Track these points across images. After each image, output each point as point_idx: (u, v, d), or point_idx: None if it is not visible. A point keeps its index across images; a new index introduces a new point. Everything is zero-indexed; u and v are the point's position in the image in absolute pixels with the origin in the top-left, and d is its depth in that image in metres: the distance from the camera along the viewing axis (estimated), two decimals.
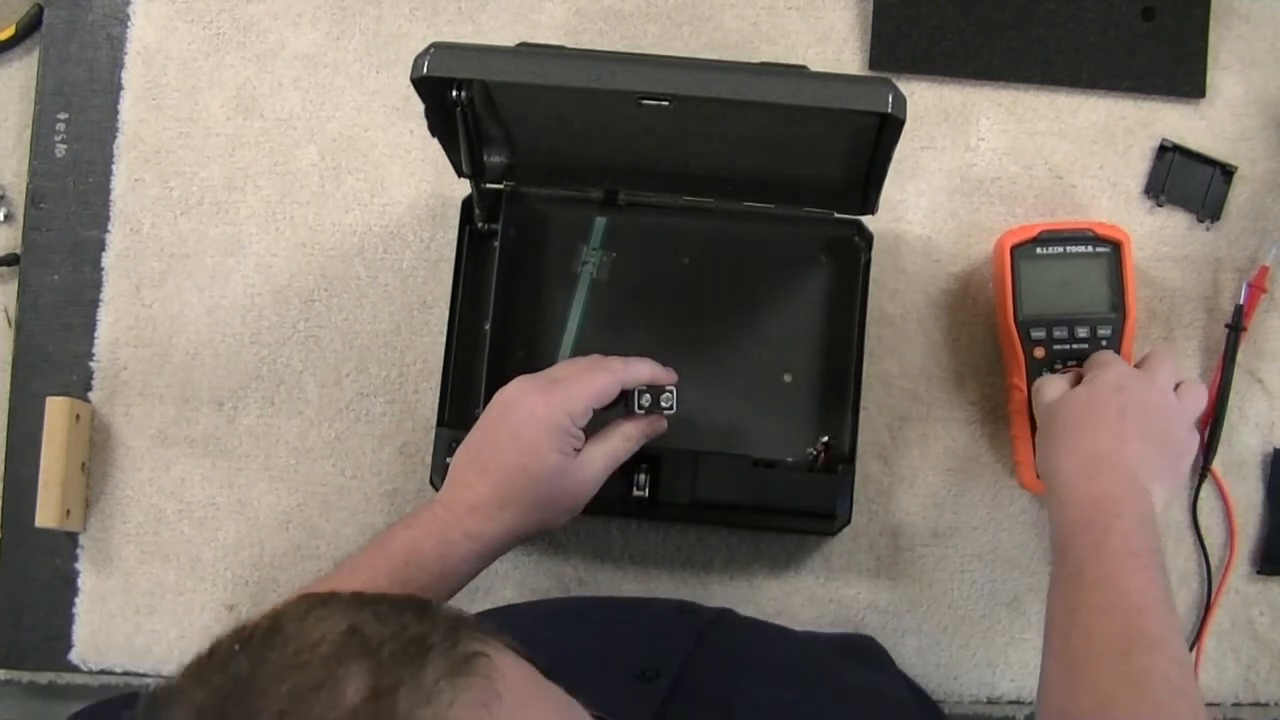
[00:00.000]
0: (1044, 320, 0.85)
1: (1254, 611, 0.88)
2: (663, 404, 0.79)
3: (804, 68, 0.79)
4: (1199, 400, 0.81)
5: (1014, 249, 0.86)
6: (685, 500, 0.84)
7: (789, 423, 0.88)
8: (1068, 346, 0.85)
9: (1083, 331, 0.85)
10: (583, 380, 0.76)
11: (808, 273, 0.90)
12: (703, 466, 0.84)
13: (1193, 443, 0.80)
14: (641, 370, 0.79)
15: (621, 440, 0.78)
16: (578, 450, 0.76)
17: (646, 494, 0.83)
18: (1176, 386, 0.80)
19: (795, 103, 0.72)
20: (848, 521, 0.86)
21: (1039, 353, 0.85)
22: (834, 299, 0.89)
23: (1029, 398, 0.85)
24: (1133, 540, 0.71)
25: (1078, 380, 0.82)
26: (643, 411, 0.79)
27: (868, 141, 0.77)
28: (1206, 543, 0.88)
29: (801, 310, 0.89)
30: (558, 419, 0.75)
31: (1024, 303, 0.86)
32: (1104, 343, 0.85)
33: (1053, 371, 0.85)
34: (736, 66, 0.77)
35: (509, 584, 0.90)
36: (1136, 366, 0.82)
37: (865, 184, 0.82)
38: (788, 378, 0.89)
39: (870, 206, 0.84)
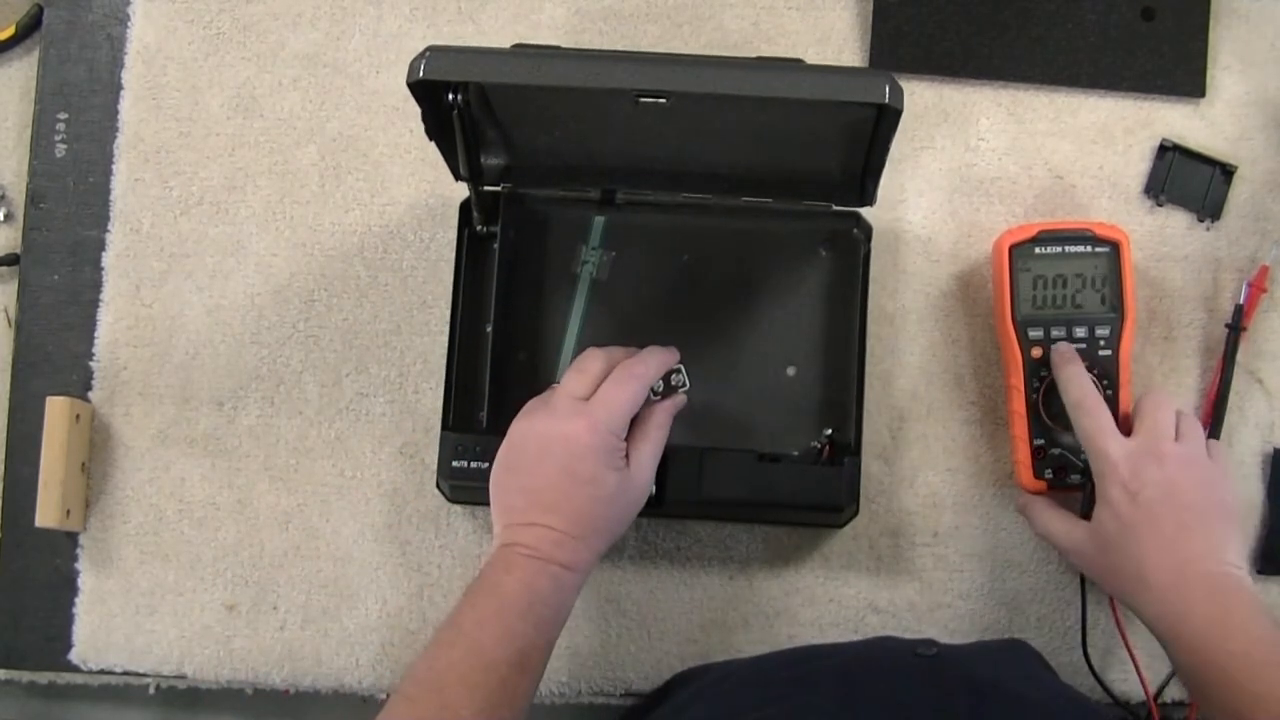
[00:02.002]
0: (1042, 320, 0.85)
1: None
2: (673, 383, 0.81)
3: (800, 61, 0.79)
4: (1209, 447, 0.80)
5: (1013, 248, 0.86)
6: (692, 497, 0.84)
7: (793, 417, 0.88)
8: None
9: (1081, 331, 0.85)
10: (614, 395, 0.76)
11: (808, 266, 0.90)
12: (709, 463, 0.84)
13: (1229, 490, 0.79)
14: (655, 362, 0.80)
15: (657, 430, 0.79)
16: (627, 458, 0.77)
17: (654, 492, 0.83)
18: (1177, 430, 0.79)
19: (793, 96, 0.72)
20: (855, 513, 0.86)
21: (1036, 353, 0.85)
22: (834, 292, 0.89)
23: (1028, 405, 0.85)
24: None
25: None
26: (658, 397, 0.81)
27: (865, 133, 0.77)
28: None
29: (802, 304, 0.90)
30: (605, 441, 0.75)
31: (1022, 302, 0.86)
32: (1102, 343, 0.85)
33: (1046, 371, 0.85)
34: (733, 62, 0.77)
35: None
36: (1125, 422, 0.81)
37: (863, 176, 0.82)
38: (790, 371, 0.89)
39: (869, 198, 0.85)
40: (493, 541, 0.77)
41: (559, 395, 0.77)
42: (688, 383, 0.81)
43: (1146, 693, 0.85)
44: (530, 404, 0.79)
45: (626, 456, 0.77)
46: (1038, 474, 0.85)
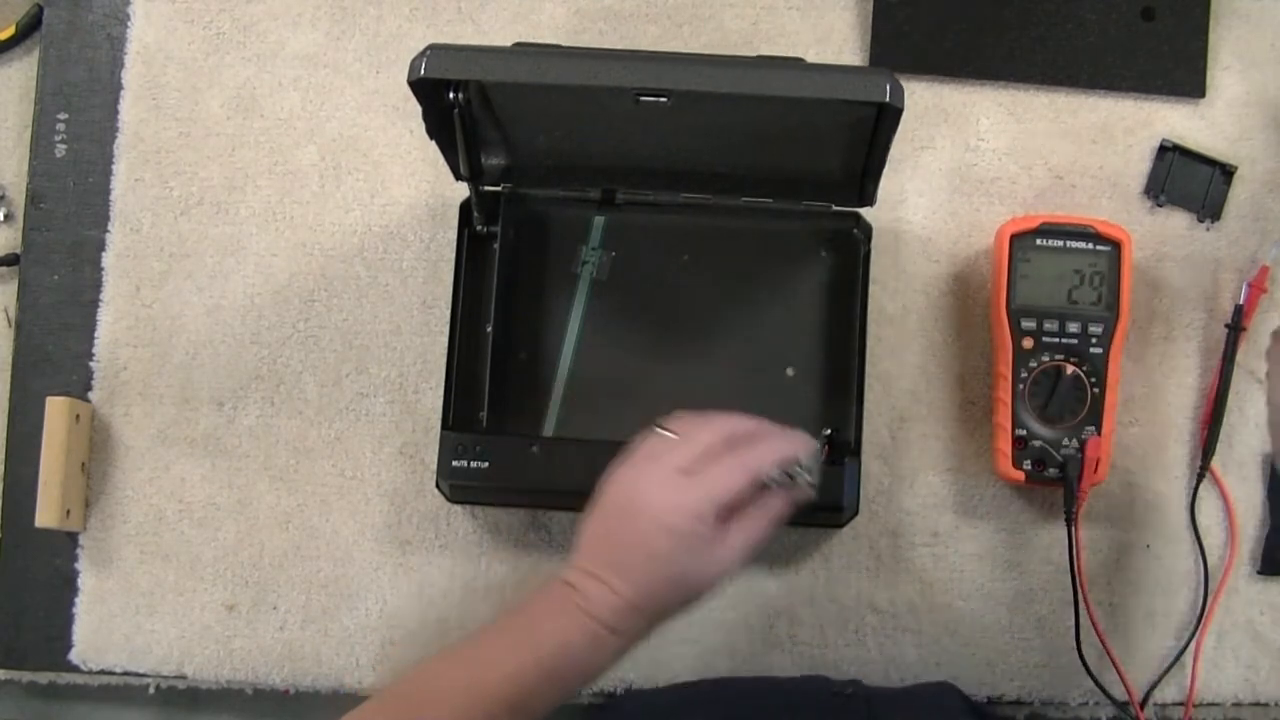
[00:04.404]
0: (1035, 311, 0.86)
1: (1254, 611, 0.88)
2: (793, 476, 0.72)
3: (800, 60, 0.79)
4: None
5: (1014, 237, 0.87)
6: None
7: (792, 417, 0.87)
8: (1057, 340, 0.85)
9: (1074, 327, 0.85)
10: (719, 482, 0.70)
11: (807, 266, 0.90)
12: None
13: None
14: (774, 452, 0.73)
15: (764, 520, 0.72)
16: (714, 538, 0.70)
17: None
18: None
19: (793, 95, 0.72)
20: (855, 513, 0.86)
21: (1027, 343, 0.85)
22: (834, 292, 0.90)
23: (1013, 395, 0.85)
24: None
25: None
26: (775, 484, 0.72)
27: (865, 133, 0.77)
28: (1205, 543, 0.88)
29: (802, 304, 0.90)
30: (694, 528, 0.69)
31: (1017, 292, 0.86)
32: (1094, 340, 0.85)
33: (1040, 363, 0.85)
34: (733, 60, 0.77)
35: (509, 586, 0.90)
36: None
37: (863, 176, 0.83)
38: (790, 372, 0.89)
39: (868, 198, 0.85)
40: (566, 563, 0.74)
41: (665, 461, 0.71)
42: (816, 481, 0.73)
43: (1130, 694, 0.85)
44: (642, 449, 0.73)
45: (719, 533, 0.71)
46: (1017, 464, 0.85)
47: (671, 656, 0.89)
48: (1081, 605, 0.84)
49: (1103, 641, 0.85)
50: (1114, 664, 0.85)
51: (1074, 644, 0.86)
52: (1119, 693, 0.86)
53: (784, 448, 0.73)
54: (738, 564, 0.71)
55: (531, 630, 0.71)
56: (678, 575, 0.70)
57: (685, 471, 0.71)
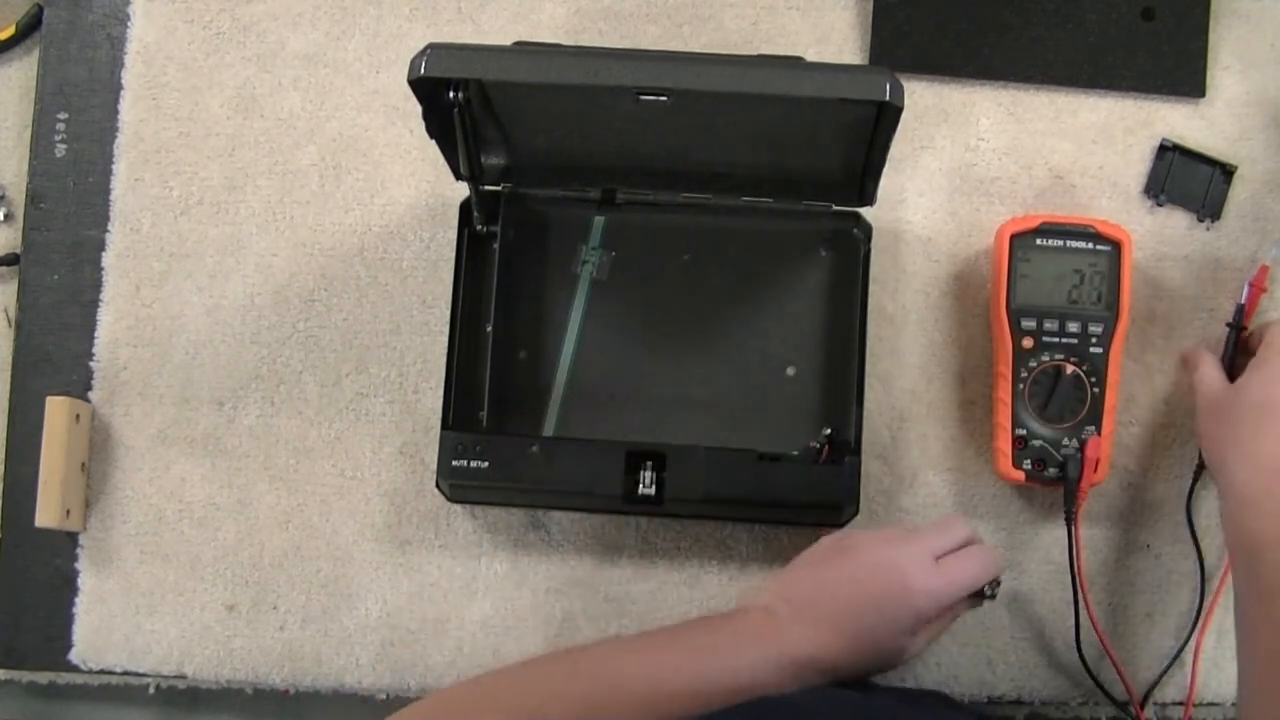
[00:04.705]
0: (1035, 311, 0.86)
1: None
2: (986, 593, 0.78)
3: (800, 59, 0.79)
4: None
5: (1014, 237, 0.87)
6: (691, 496, 0.84)
7: (793, 417, 0.88)
8: (1057, 340, 0.85)
9: (1073, 327, 0.85)
10: (962, 572, 0.76)
11: (807, 266, 0.90)
12: (709, 463, 0.84)
13: None
14: (997, 560, 0.79)
15: (943, 628, 0.78)
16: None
17: (653, 492, 0.83)
18: None
19: (793, 93, 0.72)
20: (855, 513, 0.86)
21: (1027, 343, 0.85)
22: (834, 291, 0.90)
23: (1013, 394, 0.85)
24: None
25: (1243, 350, 0.84)
26: (984, 598, 0.79)
27: (865, 132, 0.77)
28: (1204, 543, 0.88)
29: (802, 304, 0.90)
30: (929, 611, 0.74)
31: (1017, 291, 0.86)
32: (1094, 340, 0.85)
33: (1040, 362, 0.85)
34: (734, 59, 0.77)
35: (508, 583, 0.90)
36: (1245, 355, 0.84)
37: (863, 175, 0.83)
38: (790, 371, 0.89)
39: (868, 198, 0.85)
40: (753, 597, 0.76)
41: (923, 542, 0.76)
42: (996, 597, 0.79)
43: (1130, 694, 0.85)
44: (890, 530, 0.80)
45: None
46: (1016, 463, 0.85)
47: None
48: (1082, 605, 0.84)
49: (1102, 641, 0.85)
50: (1114, 664, 0.85)
51: (1074, 644, 0.86)
52: (1119, 693, 0.86)
53: (999, 558, 0.80)
54: (914, 655, 0.76)
55: (726, 649, 0.73)
56: (887, 650, 0.74)
57: (937, 559, 0.75)
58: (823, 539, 0.79)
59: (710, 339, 0.90)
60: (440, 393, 0.89)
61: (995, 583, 0.78)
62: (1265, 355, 0.81)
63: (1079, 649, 0.86)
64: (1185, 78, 0.92)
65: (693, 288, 0.90)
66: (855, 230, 0.89)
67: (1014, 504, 0.90)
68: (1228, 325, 0.88)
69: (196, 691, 0.93)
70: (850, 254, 0.90)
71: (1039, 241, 0.87)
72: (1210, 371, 0.84)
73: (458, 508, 0.90)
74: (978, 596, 0.78)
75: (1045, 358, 0.85)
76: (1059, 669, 0.87)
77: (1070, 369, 0.85)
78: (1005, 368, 0.86)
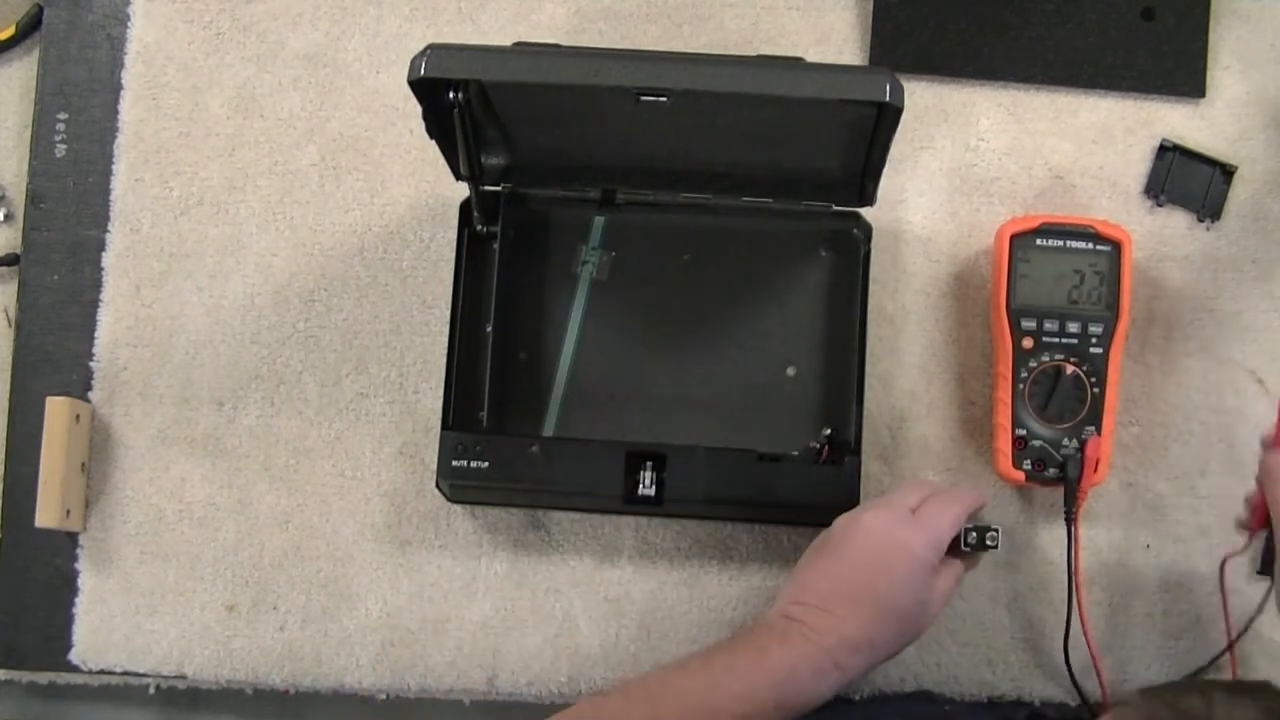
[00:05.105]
0: (1035, 311, 0.86)
1: (1254, 611, 0.88)
2: (988, 542, 0.79)
3: (800, 59, 0.79)
4: None
5: (1014, 237, 0.87)
6: (692, 497, 0.84)
7: (793, 417, 0.88)
8: (1057, 340, 0.85)
9: (1074, 327, 0.85)
10: (943, 513, 0.78)
11: (807, 266, 0.90)
12: (709, 463, 0.84)
13: None
14: (972, 497, 0.81)
15: (955, 581, 0.79)
16: (935, 575, 0.77)
17: (653, 492, 0.84)
18: None
19: (793, 94, 0.72)
20: None
21: (1027, 343, 0.85)
22: (834, 292, 0.90)
23: (1013, 395, 0.85)
24: None
25: None
26: (969, 549, 0.80)
27: (865, 132, 0.77)
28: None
29: (802, 304, 0.90)
30: (929, 557, 0.76)
31: (1017, 291, 0.86)
32: (1094, 340, 0.85)
33: (1040, 362, 0.85)
34: (734, 60, 0.77)
35: (508, 583, 0.90)
36: None
37: (863, 176, 0.83)
38: (790, 371, 0.89)
39: (868, 198, 0.85)
40: (771, 608, 0.78)
41: (893, 502, 0.78)
42: (999, 546, 0.79)
43: (1103, 694, 0.85)
44: (861, 506, 0.80)
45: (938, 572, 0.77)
46: (1017, 464, 0.85)
47: (672, 657, 0.88)
48: (1075, 606, 0.84)
49: (1088, 642, 0.84)
50: (1095, 668, 0.84)
51: (1063, 644, 0.85)
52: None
53: (975, 495, 0.82)
54: (939, 611, 0.78)
55: (761, 655, 0.74)
56: (911, 609, 0.75)
57: (915, 513, 0.77)
58: (812, 544, 0.80)
59: (710, 339, 0.90)
60: (440, 393, 0.89)
61: (993, 533, 0.79)
62: None
63: (1065, 651, 0.85)
64: (1185, 78, 0.92)
65: (693, 288, 0.90)
66: (855, 230, 0.89)
67: (1014, 504, 0.90)
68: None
69: (196, 691, 0.93)
70: (850, 254, 0.90)
71: (1039, 241, 0.87)
72: None
73: (458, 508, 0.90)
74: (980, 546, 0.79)
75: (1045, 358, 0.85)
76: (1059, 669, 0.87)
77: (1070, 369, 0.85)
78: (1005, 368, 0.86)
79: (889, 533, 0.76)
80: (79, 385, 0.93)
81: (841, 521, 0.79)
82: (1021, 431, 0.85)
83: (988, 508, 0.86)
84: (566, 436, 0.89)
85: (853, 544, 0.77)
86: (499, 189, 0.89)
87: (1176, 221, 0.92)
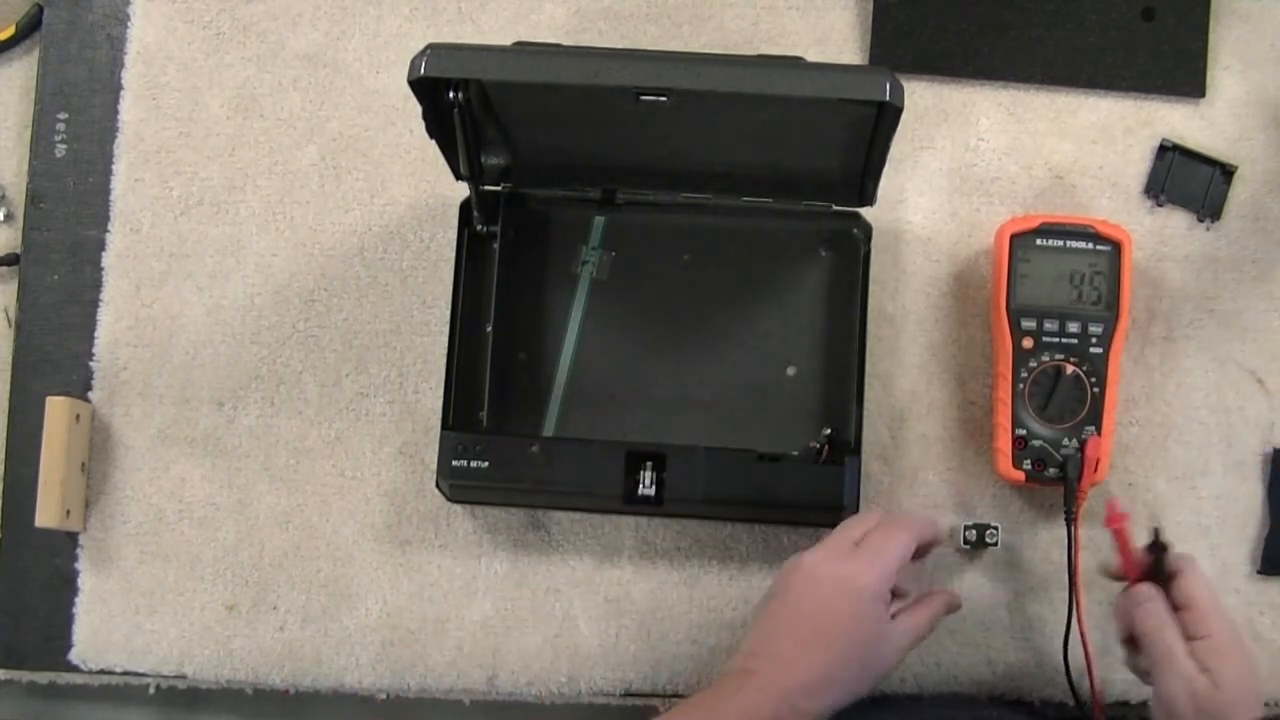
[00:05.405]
0: (1035, 311, 0.86)
1: (1254, 611, 0.88)
2: (987, 539, 0.81)
3: (800, 59, 0.79)
4: None
5: (1014, 237, 0.87)
6: (692, 497, 0.84)
7: (793, 417, 0.88)
8: (1057, 340, 0.85)
9: (1074, 327, 0.85)
10: (887, 542, 0.77)
11: (807, 266, 0.90)
12: (709, 463, 0.84)
13: None
14: (922, 523, 0.80)
15: (926, 615, 0.78)
16: (891, 617, 0.76)
17: (653, 492, 0.84)
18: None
19: (793, 94, 0.72)
20: (855, 513, 0.86)
21: (1027, 343, 0.85)
22: (834, 292, 0.90)
23: (1014, 395, 0.85)
24: None
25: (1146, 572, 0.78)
26: (968, 546, 0.83)
27: (865, 132, 0.77)
28: (1209, 541, 0.88)
29: (802, 304, 0.90)
30: (876, 587, 0.75)
31: (1017, 291, 0.86)
32: (1094, 340, 0.85)
33: (1040, 362, 0.85)
34: (734, 59, 0.77)
35: (508, 583, 0.90)
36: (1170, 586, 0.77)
37: (863, 176, 0.83)
38: (790, 371, 0.89)
39: (868, 198, 0.85)
40: (731, 659, 0.77)
41: (832, 541, 0.78)
42: (1000, 543, 0.81)
43: (1095, 697, 0.84)
44: (812, 547, 0.79)
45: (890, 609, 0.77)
46: (1017, 464, 0.85)
47: (672, 657, 0.89)
48: (1075, 606, 0.84)
49: (1085, 642, 0.84)
50: (1089, 667, 0.84)
51: (1063, 644, 0.85)
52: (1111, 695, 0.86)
53: (925, 521, 0.81)
54: (901, 651, 0.77)
55: (717, 709, 0.73)
56: (865, 644, 0.75)
57: (858, 546, 0.76)
58: (766, 592, 0.80)
59: (710, 339, 0.90)
60: (440, 393, 0.89)
61: (993, 530, 0.80)
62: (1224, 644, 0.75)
63: (1065, 653, 0.85)
64: (1185, 78, 0.92)
65: (693, 288, 0.90)
66: (855, 230, 0.89)
67: (1014, 504, 0.90)
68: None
69: (196, 691, 0.93)
70: (850, 254, 0.90)
71: (1039, 241, 0.87)
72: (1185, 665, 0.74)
73: (458, 508, 0.90)
74: (980, 544, 0.80)
75: (1045, 358, 0.85)
76: (1058, 669, 0.87)
77: (1070, 369, 0.85)
78: (1005, 367, 0.86)
79: (829, 571, 0.75)
80: (79, 385, 0.93)
81: (786, 566, 0.78)
82: (1021, 431, 0.85)
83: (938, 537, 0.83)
84: (566, 436, 0.89)
85: (796, 588, 0.76)
86: (499, 189, 0.89)
87: (1176, 221, 0.92)
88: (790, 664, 0.74)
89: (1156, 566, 0.77)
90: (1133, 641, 0.79)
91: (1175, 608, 0.76)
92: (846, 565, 0.75)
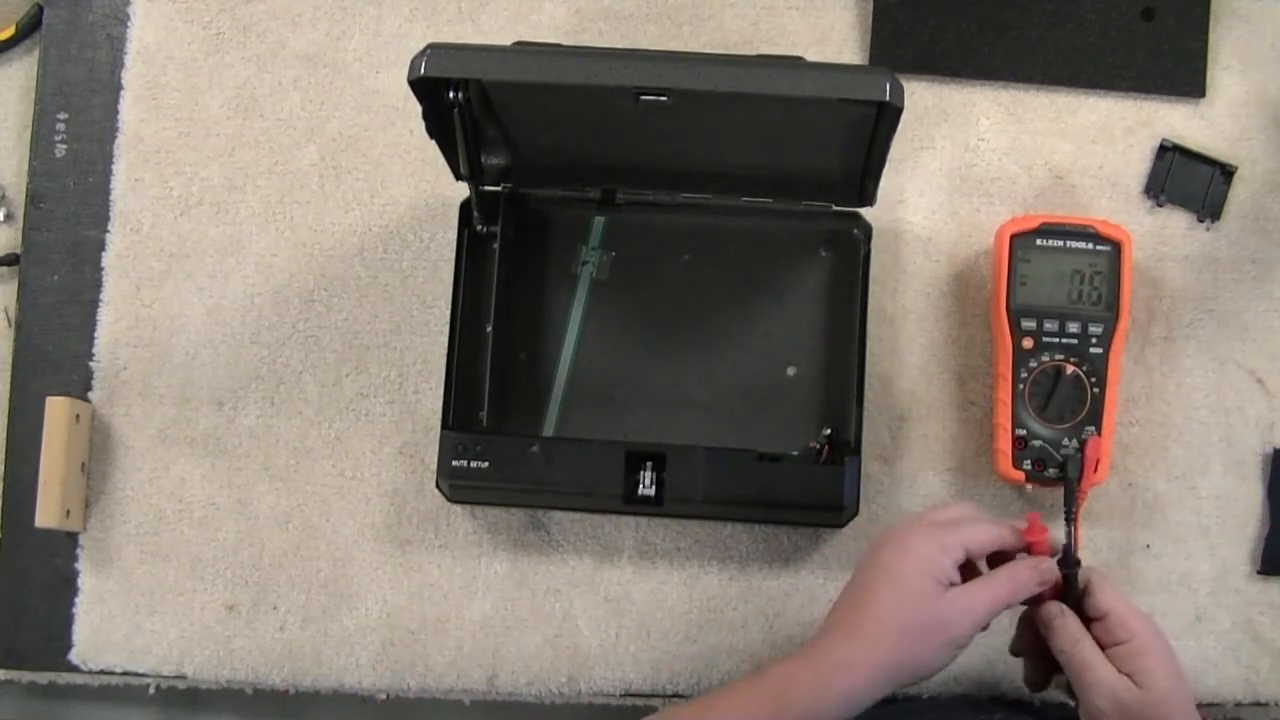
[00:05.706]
0: (1035, 311, 0.86)
1: (1254, 611, 0.88)
2: (1074, 562, 0.77)
3: (800, 59, 0.79)
4: None
5: (1014, 237, 0.87)
6: (692, 497, 0.84)
7: (793, 417, 0.88)
8: (1057, 340, 0.85)
9: (1074, 327, 0.85)
10: (970, 528, 0.75)
11: (808, 266, 0.90)
12: (709, 463, 0.84)
13: None
14: (1007, 533, 0.77)
15: (1007, 581, 0.75)
16: (953, 584, 0.73)
17: (653, 492, 0.84)
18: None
19: (794, 94, 0.72)
20: (855, 513, 0.86)
21: (1027, 343, 0.86)
22: (834, 292, 0.90)
23: (1014, 395, 0.85)
24: None
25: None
26: (1076, 563, 0.77)
27: (865, 132, 0.77)
28: (1208, 542, 0.88)
29: (802, 304, 0.90)
30: (931, 551, 0.73)
31: (1017, 291, 0.86)
32: (1094, 340, 0.85)
33: (1040, 363, 0.85)
34: (734, 59, 0.77)
35: (508, 583, 0.90)
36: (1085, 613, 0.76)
37: (863, 176, 0.83)
38: (791, 371, 0.89)
39: (868, 198, 0.85)
40: (816, 634, 0.76)
41: (924, 519, 0.76)
42: (1080, 563, 0.76)
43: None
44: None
45: (954, 584, 0.74)
46: (1017, 464, 0.85)
47: (672, 657, 0.89)
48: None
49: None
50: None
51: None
52: None
53: (1009, 531, 0.77)
54: (974, 617, 0.73)
55: (788, 683, 0.72)
56: (907, 603, 0.72)
57: (939, 525, 0.75)
58: None
59: (710, 339, 0.90)
60: (440, 393, 0.89)
61: (1074, 560, 0.76)
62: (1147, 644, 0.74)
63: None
64: (1185, 78, 0.92)
65: (693, 288, 0.90)
66: (855, 230, 0.89)
67: (1014, 504, 0.90)
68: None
69: (196, 691, 0.93)
70: (850, 254, 0.90)
71: (1039, 241, 0.87)
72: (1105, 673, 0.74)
73: (458, 508, 0.90)
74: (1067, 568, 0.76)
75: (1045, 358, 0.85)
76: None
77: (1070, 369, 0.85)
78: (1005, 367, 0.86)
79: (892, 536, 0.75)
80: (79, 385, 0.93)
81: (871, 545, 0.77)
82: (1021, 431, 0.85)
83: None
84: (566, 436, 0.89)
85: (873, 564, 0.75)
86: (499, 189, 0.89)
87: (1176, 221, 0.92)
88: (834, 641, 0.73)
89: (1067, 583, 0.77)
90: (1027, 653, 0.80)
91: (1090, 621, 0.75)
92: (906, 529, 0.75)
